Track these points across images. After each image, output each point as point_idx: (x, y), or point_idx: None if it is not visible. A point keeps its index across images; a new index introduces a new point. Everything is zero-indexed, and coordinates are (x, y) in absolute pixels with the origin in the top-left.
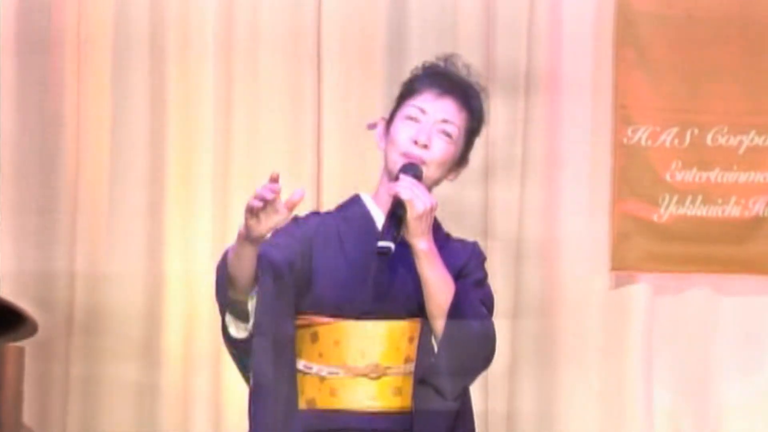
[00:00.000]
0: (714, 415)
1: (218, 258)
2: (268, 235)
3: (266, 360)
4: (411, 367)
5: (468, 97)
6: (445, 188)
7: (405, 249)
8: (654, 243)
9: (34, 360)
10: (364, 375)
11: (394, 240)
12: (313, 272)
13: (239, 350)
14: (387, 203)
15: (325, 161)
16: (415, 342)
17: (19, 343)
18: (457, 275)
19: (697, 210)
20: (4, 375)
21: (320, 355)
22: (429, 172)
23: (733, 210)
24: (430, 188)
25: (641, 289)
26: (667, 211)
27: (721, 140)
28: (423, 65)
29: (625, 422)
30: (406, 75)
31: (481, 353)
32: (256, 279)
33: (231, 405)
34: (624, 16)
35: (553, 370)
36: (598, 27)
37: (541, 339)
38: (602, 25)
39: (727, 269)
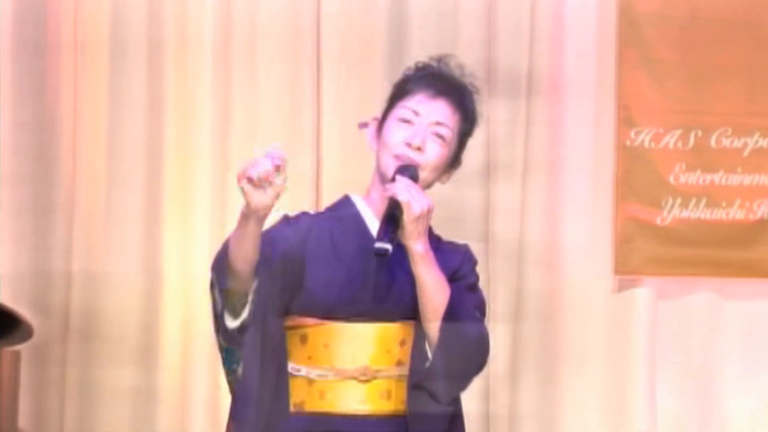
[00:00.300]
0: (718, 419)
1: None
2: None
3: (256, 357)
4: (402, 370)
5: (462, 98)
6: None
7: (398, 251)
8: (657, 246)
9: (30, 364)
10: (354, 378)
11: (391, 242)
12: (305, 273)
13: (233, 342)
14: (379, 205)
15: (325, 162)
16: (407, 345)
17: (14, 347)
18: (451, 278)
19: (701, 213)
20: (0, 379)
21: (309, 357)
22: (422, 175)
23: (737, 213)
24: (423, 190)
25: (645, 293)
26: (671, 214)
27: (726, 142)
28: (416, 65)
29: (628, 426)
30: None
31: (476, 358)
32: (255, 267)
33: (228, 408)
34: (627, 16)
35: (556, 374)
36: (600, 27)
37: (544, 343)
38: (605, 26)
39: (732, 273)
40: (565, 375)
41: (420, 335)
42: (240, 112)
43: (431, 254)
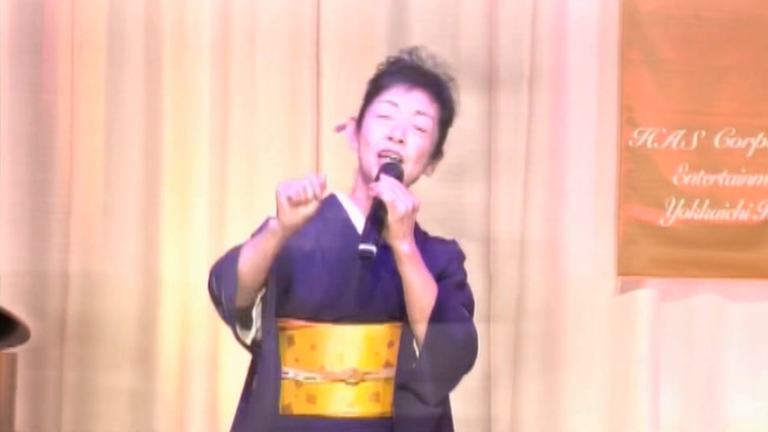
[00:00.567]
0: (721, 420)
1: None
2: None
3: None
4: (390, 372)
5: (438, 88)
6: (448, 190)
7: (384, 251)
8: (660, 247)
9: (27, 366)
10: (342, 380)
11: (376, 243)
12: (292, 275)
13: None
14: (365, 204)
15: (324, 162)
16: (395, 347)
17: (11, 350)
18: (438, 276)
19: (704, 214)
20: None
21: (296, 359)
22: (406, 168)
23: (741, 214)
24: (408, 185)
25: (647, 295)
26: (674, 215)
27: (729, 143)
28: (387, 60)
29: (631, 428)
30: None
31: (464, 358)
32: (265, 282)
33: (227, 412)
34: (630, 16)
35: (558, 375)
36: (603, 27)
37: (546, 344)
38: (608, 25)
39: (735, 274)
40: (568, 376)
41: (408, 336)
42: (239, 113)
43: (417, 254)
